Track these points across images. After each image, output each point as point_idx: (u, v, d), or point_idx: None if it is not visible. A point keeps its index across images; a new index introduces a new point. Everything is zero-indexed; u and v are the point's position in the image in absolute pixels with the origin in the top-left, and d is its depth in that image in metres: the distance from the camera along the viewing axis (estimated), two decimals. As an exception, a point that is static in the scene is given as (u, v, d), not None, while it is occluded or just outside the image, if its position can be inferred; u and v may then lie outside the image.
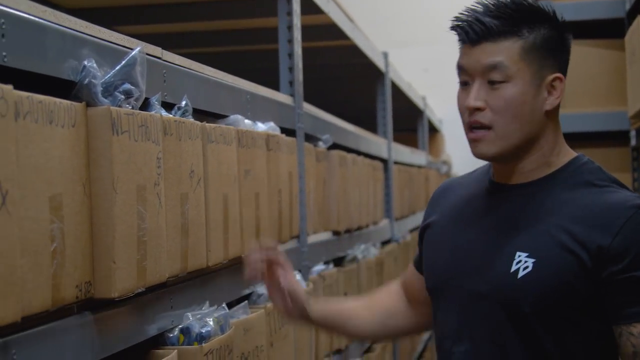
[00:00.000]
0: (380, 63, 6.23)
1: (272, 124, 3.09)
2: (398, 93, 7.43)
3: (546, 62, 2.09)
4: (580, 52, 4.68)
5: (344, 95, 8.27)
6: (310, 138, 3.92)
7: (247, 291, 2.86)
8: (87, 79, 1.82)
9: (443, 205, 2.33)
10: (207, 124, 2.38)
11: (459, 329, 2.17)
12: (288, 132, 3.38)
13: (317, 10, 4.11)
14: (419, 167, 8.61)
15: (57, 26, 1.76)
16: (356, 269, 4.67)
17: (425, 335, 7.80)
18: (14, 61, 1.59)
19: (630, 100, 4.24)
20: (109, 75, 1.91)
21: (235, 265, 2.69)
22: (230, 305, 2.58)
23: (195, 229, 2.29)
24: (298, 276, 3.33)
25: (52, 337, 1.67)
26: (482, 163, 2.29)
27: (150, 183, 2.00)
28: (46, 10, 1.74)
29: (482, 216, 2.20)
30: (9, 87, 1.49)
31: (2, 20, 1.56)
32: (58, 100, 1.68)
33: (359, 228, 5.00)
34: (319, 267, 3.91)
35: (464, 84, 2.12)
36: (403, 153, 7.37)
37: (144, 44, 2.12)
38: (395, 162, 6.70)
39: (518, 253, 2.07)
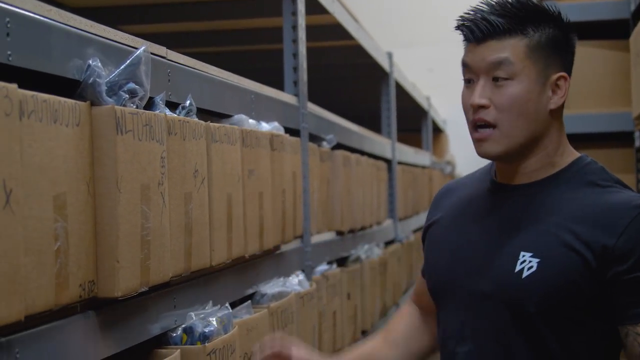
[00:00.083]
0: (384, 63, 6.23)
1: (276, 123, 3.09)
2: (402, 93, 7.44)
3: (551, 61, 2.09)
4: (585, 53, 4.67)
5: (348, 96, 8.27)
6: (314, 138, 3.92)
7: (250, 291, 2.86)
8: (91, 78, 1.82)
9: (445, 207, 2.33)
10: (211, 124, 2.38)
11: (462, 329, 2.17)
12: (292, 132, 3.38)
13: (322, 10, 4.11)
14: (423, 167, 8.61)
15: (62, 25, 1.76)
16: (359, 269, 4.67)
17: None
18: (18, 60, 1.59)
19: (634, 102, 4.24)
20: (113, 75, 1.91)
21: (238, 265, 2.69)
22: (233, 305, 2.58)
23: (198, 229, 2.29)
24: (301, 276, 3.33)
25: (55, 336, 1.67)
26: (486, 163, 2.29)
27: (154, 182, 2.00)
28: (51, 10, 1.74)
29: (485, 216, 2.20)
30: (14, 86, 1.49)
31: (7, 19, 1.56)
32: (62, 99, 1.68)
33: (363, 228, 5.00)
34: (323, 267, 3.91)
35: (468, 82, 2.12)
36: (407, 153, 7.37)
37: (148, 43, 2.12)
38: (399, 163, 6.70)
39: (522, 253, 2.06)
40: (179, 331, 2.23)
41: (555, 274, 2.01)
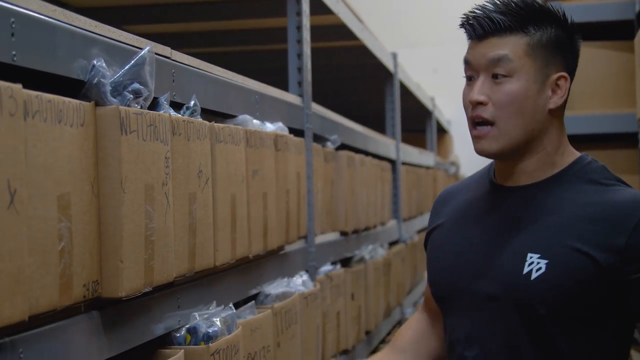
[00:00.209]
0: (389, 63, 6.23)
1: (280, 124, 3.09)
2: (407, 94, 7.43)
3: (552, 61, 2.09)
4: (590, 54, 4.67)
5: (353, 96, 8.26)
6: (319, 138, 3.92)
7: (254, 291, 2.86)
8: (96, 79, 1.82)
9: (445, 212, 2.33)
10: (215, 124, 2.38)
11: (469, 333, 2.16)
12: (296, 132, 3.39)
13: (327, 11, 4.11)
14: (427, 167, 8.60)
15: (66, 25, 1.76)
16: (363, 269, 4.66)
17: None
18: (23, 60, 1.59)
19: (639, 103, 4.24)
20: (118, 75, 1.91)
21: (242, 265, 2.69)
22: (237, 306, 2.58)
23: (202, 229, 2.29)
24: (305, 276, 3.33)
25: (59, 336, 1.68)
26: (489, 163, 2.29)
27: (159, 183, 2.00)
28: (56, 10, 1.74)
29: (487, 218, 2.20)
30: (18, 86, 1.49)
31: (12, 20, 1.56)
32: (67, 99, 1.69)
33: (367, 228, 4.99)
34: (327, 267, 3.91)
35: (469, 79, 2.13)
36: (411, 154, 7.36)
37: (153, 43, 2.12)
38: (404, 163, 6.70)
39: (529, 254, 2.06)
40: (183, 331, 2.23)
41: (564, 275, 2.01)
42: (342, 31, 4.72)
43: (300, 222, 3.32)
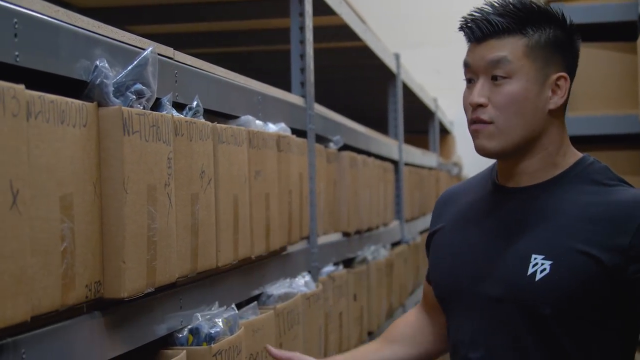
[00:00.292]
0: (391, 64, 6.23)
1: (283, 124, 3.09)
2: (409, 94, 7.43)
3: (551, 61, 2.10)
4: (592, 55, 4.67)
5: (356, 97, 8.26)
6: (321, 139, 3.92)
7: (256, 292, 2.86)
8: (99, 79, 1.82)
9: (447, 213, 2.33)
10: (218, 125, 2.38)
11: (473, 334, 2.16)
12: (299, 133, 3.39)
13: (329, 12, 4.11)
14: (430, 168, 8.60)
15: (69, 26, 1.77)
16: (366, 270, 4.66)
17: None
18: (26, 61, 1.59)
19: (642, 104, 4.23)
20: (120, 76, 1.91)
21: (244, 265, 2.69)
22: (239, 306, 2.58)
23: (205, 230, 2.29)
24: (307, 277, 3.33)
25: (61, 336, 1.68)
26: (491, 164, 2.29)
27: (161, 183, 2.00)
28: (59, 10, 1.74)
29: (489, 219, 2.20)
30: (21, 86, 1.49)
31: (15, 20, 1.56)
32: (70, 100, 1.69)
33: (369, 229, 5.00)
34: (329, 268, 3.91)
35: (469, 82, 2.14)
36: (414, 154, 7.36)
37: (155, 44, 2.12)
38: (406, 164, 6.70)
39: (534, 256, 2.06)
40: (185, 332, 2.23)
41: (569, 275, 2.01)
42: (345, 32, 4.72)
43: (302, 222, 3.32)
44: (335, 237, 4.20)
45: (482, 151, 2.12)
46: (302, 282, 3.26)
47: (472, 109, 2.10)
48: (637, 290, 2.00)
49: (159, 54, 2.09)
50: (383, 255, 5.20)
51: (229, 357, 2.27)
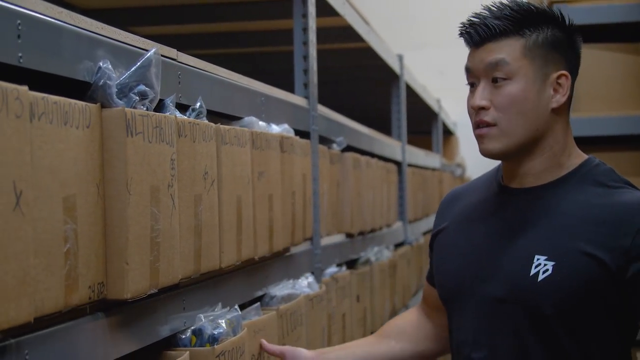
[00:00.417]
0: (395, 65, 6.23)
1: (286, 126, 3.09)
2: (413, 96, 7.43)
3: (551, 60, 2.11)
4: (595, 56, 4.66)
5: (359, 98, 8.26)
6: (324, 140, 3.92)
7: (259, 293, 2.86)
8: (102, 80, 1.82)
9: (452, 213, 2.33)
10: (221, 126, 2.38)
11: (476, 335, 2.17)
12: (302, 134, 3.38)
13: (333, 13, 4.11)
14: (433, 169, 8.60)
15: (72, 27, 1.77)
16: (369, 271, 4.66)
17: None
18: (29, 62, 1.59)
19: (645, 105, 4.23)
20: (124, 77, 1.91)
21: (248, 267, 2.69)
22: (242, 307, 2.58)
23: (208, 231, 2.29)
24: (311, 278, 3.33)
25: (64, 337, 1.68)
26: (495, 165, 2.30)
27: (164, 184, 2.00)
28: (62, 12, 1.74)
29: (494, 220, 2.20)
30: (25, 88, 1.49)
31: (18, 22, 1.56)
32: (73, 101, 1.69)
33: (372, 230, 4.99)
34: (332, 269, 3.91)
35: (472, 86, 2.16)
36: (417, 156, 7.36)
37: (159, 45, 2.12)
38: (409, 165, 6.70)
39: (536, 256, 2.07)
40: (188, 333, 2.23)
41: (571, 276, 2.02)
42: (349, 33, 4.72)
43: (305, 223, 3.32)
44: (338, 238, 4.19)
45: (486, 153, 2.13)
46: (305, 283, 3.26)
47: (475, 112, 2.12)
48: (637, 291, 2.00)
49: (162, 55, 2.09)
50: (386, 257, 5.20)
51: (232, 358, 2.27)
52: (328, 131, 3.96)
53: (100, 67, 1.83)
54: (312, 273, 3.47)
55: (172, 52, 2.25)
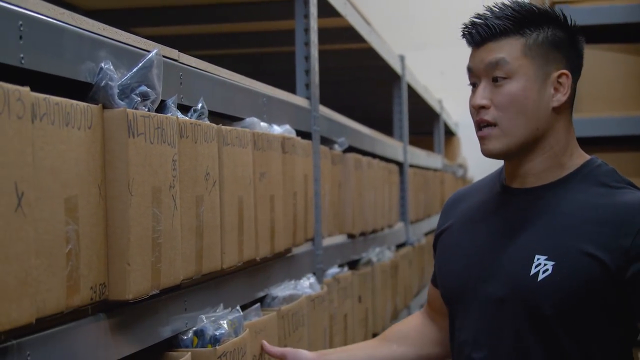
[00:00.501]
0: (396, 66, 6.23)
1: (288, 126, 3.09)
2: (414, 96, 7.43)
3: (551, 58, 2.11)
4: (597, 57, 4.66)
5: (360, 98, 8.27)
6: (326, 141, 3.92)
7: (261, 294, 2.86)
8: (103, 81, 1.82)
9: (455, 214, 2.34)
10: (223, 127, 2.38)
11: (477, 334, 2.17)
12: (304, 134, 3.39)
13: (334, 13, 4.11)
14: (435, 170, 8.60)
15: (74, 28, 1.77)
16: (371, 272, 4.66)
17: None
18: (31, 63, 1.60)
19: (646, 106, 4.23)
20: (125, 78, 1.91)
21: (249, 267, 2.69)
22: (244, 308, 2.58)
23: (210, 232, 2.29)
24: (312, 279, 3.33)
25: (66, 338, 1.68)
26: (498, 165, 2.30)
27: (166, 185, 2.00)
28: (64, 13, 1.74)
29: (496, 220, 2.20)
30: (26, 89, 1.49)
31: (20, 22, 1.56)
32: (75, 102, 1.69)
33: (374, 231, 4.99)
34: (334, 270, 3.91)
35: (473, 86, 2.16)
36: (419, 156, 7.36)
37: (160, 46, 2.12)
38: (411, 165, 6.70)
39: (537, 256, 2.07)
40: (190, 334, 2.23)
41: (571, 276, 2.02)
42: (350, 34, 4.72)
43: (307, 224, 3.32)
44: (340, 238, 4.19)
45: (487, 153, 2.13)
46: (306, 284, 3.26)
47: (476, 111, 2.12)
48: (637, 291, 2.00)
49: (163, 56, 2.09)
50: (388, 257, 5.20)
51: (233, 359, 2.27)
52: (330, 132, 3.96)
53: (101, 68, 1.83)
54: (314, 274, 3.47)
55: (173, 53, 2.25)
